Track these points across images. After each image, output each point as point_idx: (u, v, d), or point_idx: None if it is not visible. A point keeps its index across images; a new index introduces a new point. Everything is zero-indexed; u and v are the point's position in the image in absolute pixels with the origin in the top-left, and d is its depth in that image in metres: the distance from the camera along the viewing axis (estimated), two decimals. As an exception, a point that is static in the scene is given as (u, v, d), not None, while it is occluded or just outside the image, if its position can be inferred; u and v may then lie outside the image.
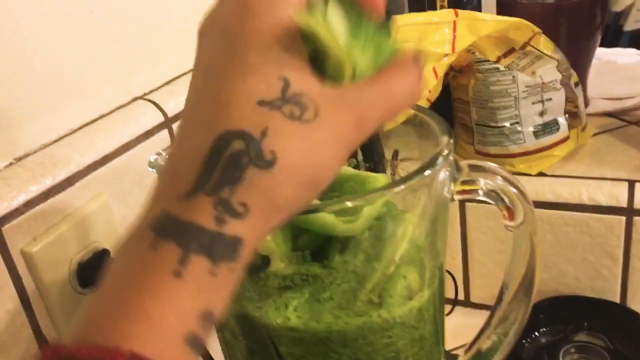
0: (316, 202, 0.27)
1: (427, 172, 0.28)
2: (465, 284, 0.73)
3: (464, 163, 0.32)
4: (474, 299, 0.74)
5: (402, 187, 0.27)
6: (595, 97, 0.82)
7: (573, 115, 0.68)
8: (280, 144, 0.21)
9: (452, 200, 0.32)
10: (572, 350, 0.62)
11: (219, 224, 0.21)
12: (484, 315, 0.69)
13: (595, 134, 0.73)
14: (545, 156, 0.67)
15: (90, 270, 0.40)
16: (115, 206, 0.44)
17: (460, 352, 0.41)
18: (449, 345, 0.69)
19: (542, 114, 0.65)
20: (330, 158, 0.22)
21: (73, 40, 0.43)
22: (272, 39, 0.22)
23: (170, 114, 0.48)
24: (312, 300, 0.28)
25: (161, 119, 0.48)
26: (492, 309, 0.36)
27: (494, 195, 0.32)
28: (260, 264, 0.28)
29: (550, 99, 0.65)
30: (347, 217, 0.28)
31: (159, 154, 0.33)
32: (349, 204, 0.28)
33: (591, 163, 0.67)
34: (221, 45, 0.23)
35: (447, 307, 0.73)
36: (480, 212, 0.68)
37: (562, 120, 0.66)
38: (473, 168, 0.32)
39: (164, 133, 0.48)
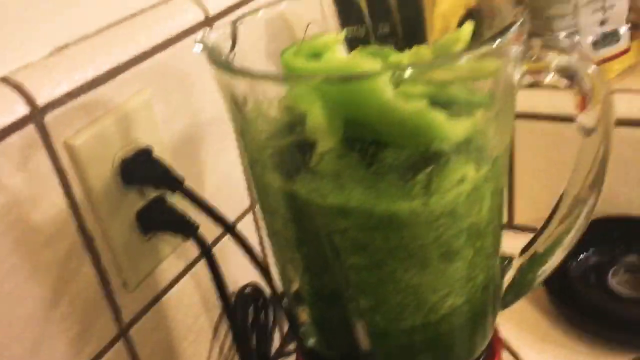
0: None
1: (498, 41, 0.25)
2: (510, 205, 0.71)
3: (535, 41, 0.29)
4: (517, 221, 0.72)
5: (470, 55, 0.25)
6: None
7: (635, 26, 0.63)
8: None
9: (521, 82, 0.29)
10: (622, 270, 0.60)
11: None
12: (527, 236, 0.68)
13: (656, 49, 0.69)
14: (603, 69, 0.63)
15: (133, 167, 0.39)
16: (157, 105, 0.42)
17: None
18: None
19: (602, 23, 0.61)
20: None
21: None
22: None
23: (211, 12, 0.46)
24: (368, 182, 0.27)
25: (202, 17, 0.46)
26: (553, 209, 0.34)
27: (567, 74, 0.29)
28: (311, 143, 0.27)
29: (613, 7, 0.61)
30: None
31: (204, 34, 0.31)
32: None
33: (652, 77, 0.63)
34: None
35: (491, 228, 0.71)
36: (531, 129, 0.65)
37: (623, 30, 0.62)
38: (545, 46, 0.29)
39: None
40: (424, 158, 0.26)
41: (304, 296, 0.34)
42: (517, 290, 0.35)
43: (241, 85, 0.28)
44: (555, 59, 0.29)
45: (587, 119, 0.31)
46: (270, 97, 0.27)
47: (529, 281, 0.35)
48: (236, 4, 0.49)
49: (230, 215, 0.52)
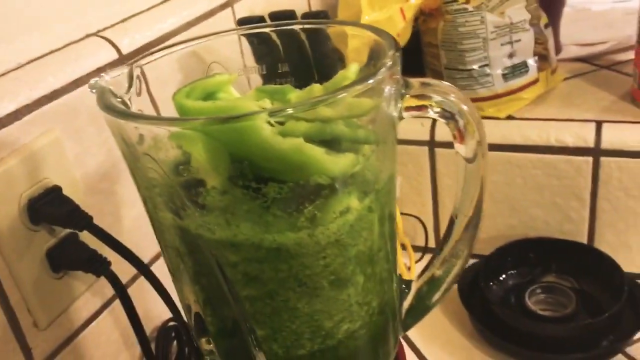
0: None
1: (370, 81, 0.27)
2: (435, 231, 0.74)
3: (414, 80, 0.31)
4: (445, 245, 0.74)
5: (343, 94, 0.26)
6: (568, 44, 0.81)
7: (542, 58, 0.67)
8: None
9: (401, 118, 0.31)
10: (539, 290, 0.62)
11: None
12: (454, 261, 0.69)
13: (566, 79, 0.73)
14: (514, 99, 0.66)
15: (42, 206, 0.39)
16: (68, 144, 0.43)
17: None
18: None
19: (511, 55, 0.65)
20: None
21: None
22: None
23: (124, 51, 0.47)
24: (254, 216, 0.28)
25: (115, 56, 0.46)
26: (444, 237, 0.36)
27: (446, 113, 0.31)
28: (197, 181, 0.28)
29: (519, 40, 0.64)
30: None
31: (100, 76, 0.32)
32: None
33: (560, 106, 0.67)
34: None
35: (417, 255, 0.73)
36: (450, 157, 0.68)
37: (531, 62, 0.66)
38: (424, 85, 0.31)
39: (119, 71, 0.47)
40: (305, 191, 0.28)
41: (207, 327, 0.34)
42: (416, 313, 0.37)
43: (129, 127, 0.28)
44: (434, 98, 0.31)
45: (464, 151, 0.33)
46: (161, 138, 0.28)
47: (427, 305, 0.37)
48: (151, 43, 0.50)
49: (150, 251, 0.52)
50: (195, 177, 0.28)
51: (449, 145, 0.67)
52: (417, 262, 0.72)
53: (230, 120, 0.26)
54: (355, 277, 0.31)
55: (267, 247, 0.28)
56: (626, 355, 0.57)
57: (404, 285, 0.37)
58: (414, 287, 0.37)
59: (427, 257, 0.74)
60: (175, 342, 0.53)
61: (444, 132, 0.67)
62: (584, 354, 0.55)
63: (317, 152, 0.27)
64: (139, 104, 0.34)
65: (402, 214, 0.63)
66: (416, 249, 0.74)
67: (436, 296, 0.36)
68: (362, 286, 0.31)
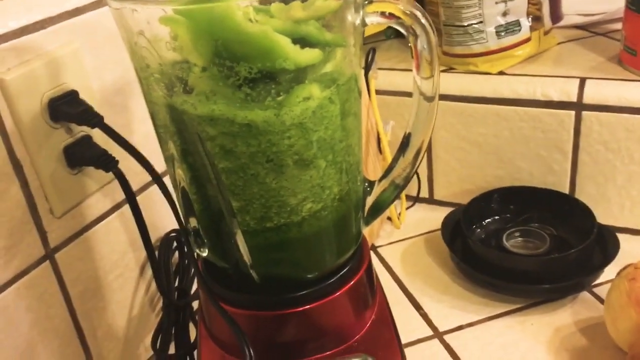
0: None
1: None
2: (429, 181, 0.78)
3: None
4: (437, 196, 0.79)
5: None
6: (570, 14, 0.84)
7: (536, 18, 0.71)
8: None
9: (364, 24, 0.36)
10: (517, 234, 0.67)
11: None
12: (445, 210, 0.74)
13: (561, 43, 0.77)
14: (506, 56, 0.70)
15: (60, 105, 0.45)
16: (87, 57, 0.49)
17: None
18: (411, 231, 0.75)
19: (504, 14, 0.69)
20: None
21: None
22: None
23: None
24: (228, 92, 0.33)
25: (133, -14, 0.52)
26: (399, 150, 0.41)
27: (409, 28, 0.36)
28: (182, 60, 0.33)
29: (513, 0, 0.68)
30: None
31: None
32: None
33: (551, 64, 0.71)
34: None
35: (408, 203, 0.78)
36: (444, 109, 0.72)
37: (524, 21, 0.70)
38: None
39: None
40: (272, 74, 0.33)
41: (194, 207, 0.40)
42: (376, 210, 0.42)
43: (127, 11, 0.34)
44: (400, 9, 0.36)
45: (426, 87, 0.38)
46: (153, 21, 0.33)
47: (385, 203, 0.42)
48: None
49: (156, 167, 0.58)
50: (180, 55, 0.33)
51: (444, 97, 0.72)
52: (407, 208, 0.77)
53: (208, 1, 0.31)
54: (317, 160, 0.36)
55: (240, 122, 0.34)
56: (592, 293, 0.61)
57: (366, 184, 0.42)
58: (377, 189, 0.42)
59: (419, 205, 0.78)
60: (177, 253, 0.59)
61: (442, 87, 0.72)
62: (551, 285, 0.59)
63: (282, 39, 0.32)
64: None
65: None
66: (409, 198, 0.78)
67: (392, 196, 0.42)
68: (323, 170, 0.36)
